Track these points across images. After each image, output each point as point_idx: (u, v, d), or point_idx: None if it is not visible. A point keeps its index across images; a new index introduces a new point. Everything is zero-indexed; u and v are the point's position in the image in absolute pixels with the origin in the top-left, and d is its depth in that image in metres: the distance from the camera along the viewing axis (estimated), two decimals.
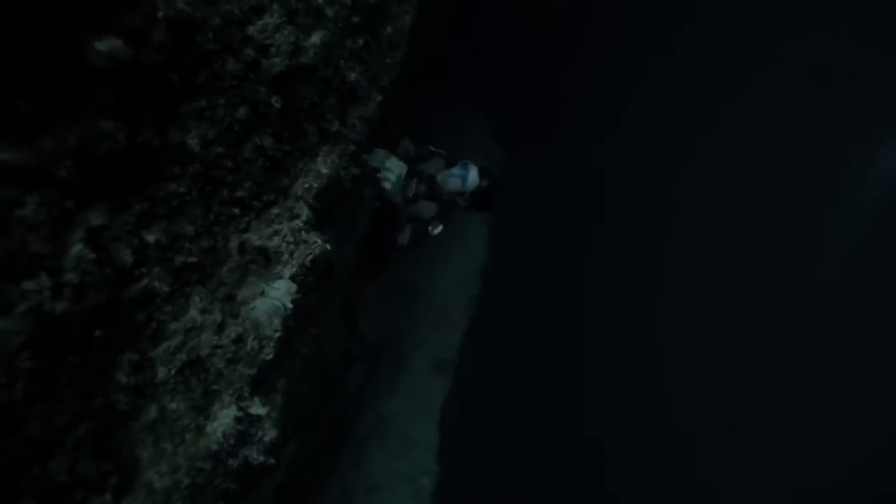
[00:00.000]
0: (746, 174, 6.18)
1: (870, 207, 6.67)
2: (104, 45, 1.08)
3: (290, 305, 1.47)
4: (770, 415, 6.40)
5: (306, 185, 1.70)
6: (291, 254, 1.56)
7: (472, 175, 2.29)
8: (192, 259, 1.39)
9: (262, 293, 1.48)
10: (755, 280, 6.53)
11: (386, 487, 6.20)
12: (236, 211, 1.54)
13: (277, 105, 1.51)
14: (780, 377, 6.62)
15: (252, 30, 1.40)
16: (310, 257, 1.58)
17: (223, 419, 1.47)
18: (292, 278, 1.50)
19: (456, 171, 2.32)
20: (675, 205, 6.19)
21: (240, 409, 1.50)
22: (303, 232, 1.60)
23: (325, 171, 1.73)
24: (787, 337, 6.79)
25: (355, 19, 1.74)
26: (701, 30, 5.61)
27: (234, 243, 1.53)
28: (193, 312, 1.40)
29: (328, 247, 1.61)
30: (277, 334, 1.47)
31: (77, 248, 1.11)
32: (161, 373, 1.37)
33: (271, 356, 1.52)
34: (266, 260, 1.57)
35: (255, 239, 1.55)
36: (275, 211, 1.65)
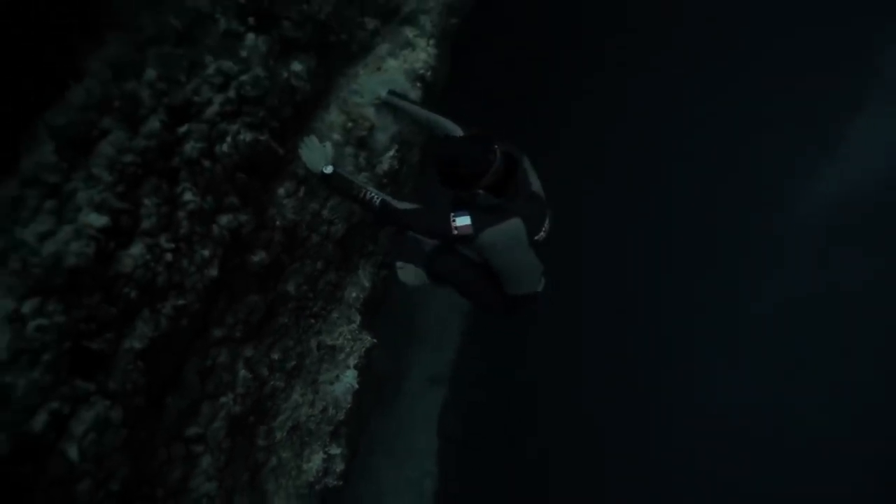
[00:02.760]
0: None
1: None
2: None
3: (356, 385, 2.33)
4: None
5: (354, 295, 2.56)
6: (352, 348, 2.42)
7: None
8: (293, 362, 2.24)
9: (338, 378, 2.34)
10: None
11: (393, 493, 7.08)
12: (313, 321, 2.38)
13: (338, 252, 2.36)
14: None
15: (325, 212, 2.24)
16: (364, 349, 2.44)
17: (314, 461, 2.34)
18: (355, 367, 2.36)
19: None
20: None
21: (324, 452, 2.36)
22: (357, 331, 2.45)
23: (367, 283, 2.58)
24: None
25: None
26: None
27: (313, 343, 2.38)
28: (296, 396, 2.25)
29: (375, 340, 2.47)
30: (349, 405, 2.33)
31: (243, 373, 1.95)
32: (278, 435, 2.22)
33: (343, 417, 2.38)
34: (334, 353, 2.42)
35: (327, 340, 2.40)
36: (335, 315, 2.50)
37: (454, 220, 1.69)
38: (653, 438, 7.26)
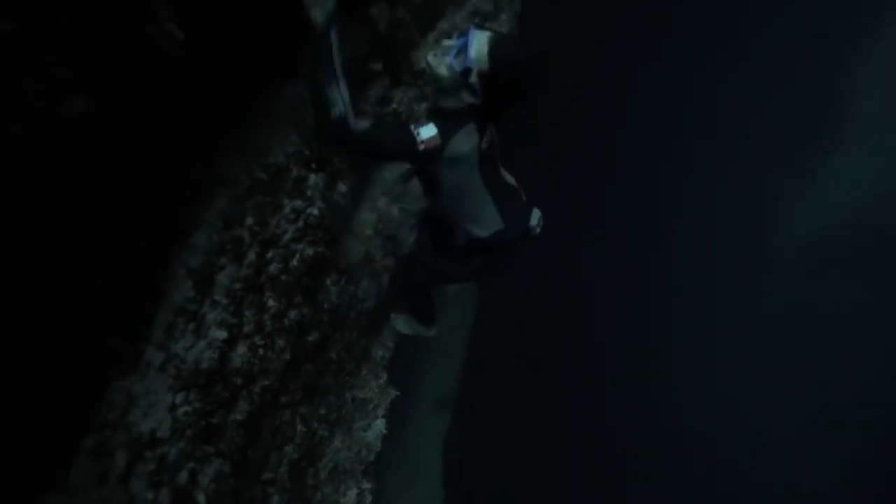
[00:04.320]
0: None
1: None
2: None
3: (385, 431, 2.89)
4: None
5: (380, 354, 3.13)
6: (380, 400, 2.98)
7: (479, 43, 1.52)
8: (335, 414, 2.80)
9: (370, 426, 2.89)
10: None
11: None
12: (347, 378, 2.95)
13: (369, 321, 2.93)
14: None
15: (359, 293, 2.82)
16: (390, 400, 3.00)
17: (350, 496, 2.88)
18: (383, 416, 2.92)
19: (453, 42, 1.58)
20: None
21: (357, 488, 2.91)
22: (384, 386, 3.02)
23: (390, 344, 3.15)
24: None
25: None
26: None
27: (348, 397, 2.94)
28: (337, 442, 2.80)
29: (399, 393, 3.04)
30: (379, 449, 2.89)
31: (300, 428, 2.51)
32: (322, 475, 2.77)
33: (373, 458, 2.93)
34: (365, 404, 2.98)
35: (359, 393, 2.97)
36: (364, 372, 3.06)
37: (418, 133, 1.50)
38: (674, 463, 7.64)
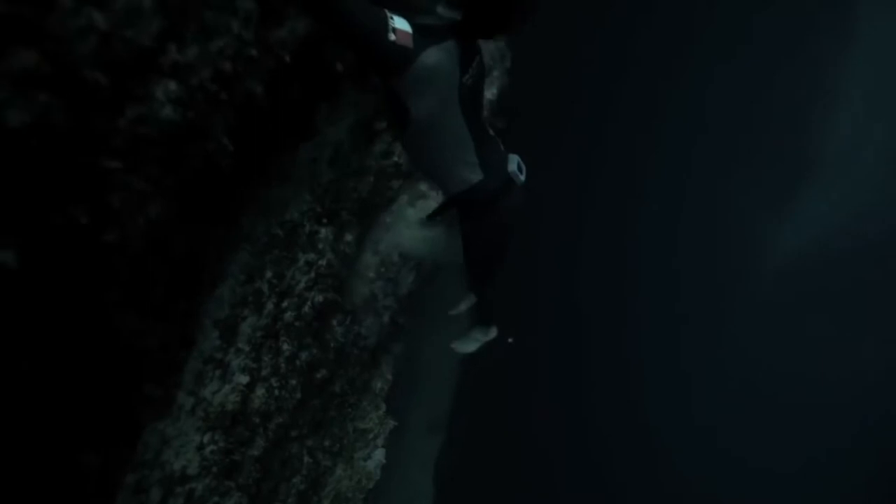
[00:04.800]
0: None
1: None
2: None
3: (384, 461, 3.10)
4: None
5: (379, 386, 3.35)
6: (379, 430, 3.19)
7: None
8: (338, 445, 3.00)
9: (370, 455, 3.10)
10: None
11: None
12: (349, 410, 3.16)
13: (370, 357, 3.16)
14: None
15: (363, 331, 3.05)
16: (389, 430, 3.22)
17: None
18: (383, 446, 3.13)
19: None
20: None
21: None
22: (383, 416, 3.23)
23: (389, 377, 3.37)
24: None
25: None
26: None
27: (350, 428, 3.15)
28: (339, 471, 3.01)
29: (397, 423, 3.26)
30: (378, 478, 3.09)
31: (307, 459, 2.71)
32: (325, 502, 2.96)
33: (372, 486, 3.13)
34: (366, 435, 3.19)
35: (359, 424, 3.18)
36: (365, 403, 3.28)
37: (392, 19, 1.26)
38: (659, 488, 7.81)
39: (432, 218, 1.94)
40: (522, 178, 1.77)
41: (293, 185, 2.44)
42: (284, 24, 1.54)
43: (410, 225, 3.25)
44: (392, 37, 1.25)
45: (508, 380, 8.19)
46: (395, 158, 3.12)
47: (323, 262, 2.48)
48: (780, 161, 8.29)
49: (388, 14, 1.26)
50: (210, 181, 1.50)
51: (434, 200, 3.43)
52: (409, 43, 1.28)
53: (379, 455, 3.12)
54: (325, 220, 2.53)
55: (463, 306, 2.57)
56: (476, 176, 1.63)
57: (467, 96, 1.46)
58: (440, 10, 1.37)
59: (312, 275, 2.45)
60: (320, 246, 2.49)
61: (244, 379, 2.08)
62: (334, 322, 2.81)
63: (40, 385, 1.50)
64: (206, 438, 1.96)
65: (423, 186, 3.43)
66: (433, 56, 1.33)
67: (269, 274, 2.26)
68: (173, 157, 1.28)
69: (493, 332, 2.52)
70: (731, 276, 8.22)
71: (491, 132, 1.78)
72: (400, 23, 1.27)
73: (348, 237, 2.75)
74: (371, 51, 1.30)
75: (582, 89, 6.20)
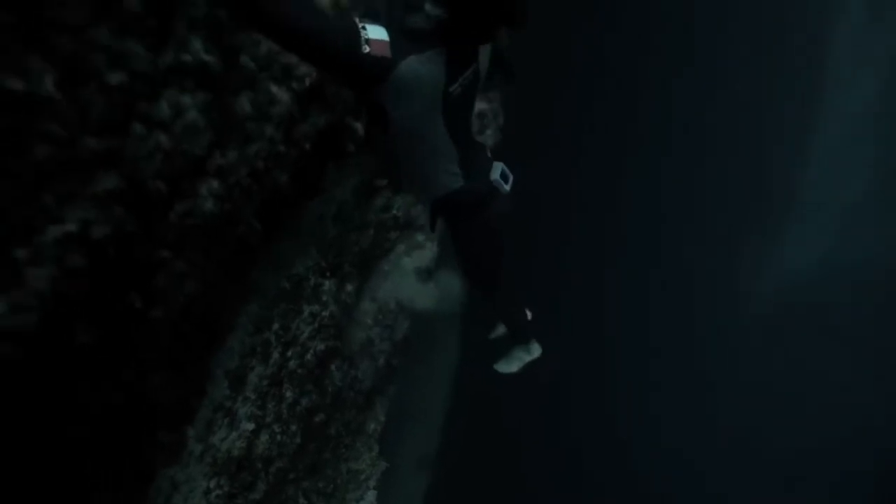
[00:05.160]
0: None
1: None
2: None
3: (375, 503, 3.21)
4: None
5: (373, 427, 3.49)
6: (371, 471, 3.31)
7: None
8: (332, 486, 3.12)
9: (362, 497, 3.21)
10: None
11: None
12: (343, 451, 3.28)
13: (365, 399, 3.31)
14: None
15: (359, 374, 3.21)
16: (381, 471, 3.34)
17: None
18: (375, 488, 3.25)
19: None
20: None
21: None
22: (376, 458, 3.36)
23: (382, 418, 3.51)
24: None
25: None
26: None
27: (343, 468, 3.27)
28: None
29: (388, 465, 3.38)
30: None
31: (302, 501, 2.83)
32: None
33: None
34: (358, 476, 3.31)
35: (353, 465, 3.30)
36: (358, 444, 3.41)
37: (364, 29, 1.18)
38: None
39: (431, 230, 1.83)
40: (507, 187, 1.72)
41: (301, 241, 2.66)
42: (308, 119, 1.78)
43: (407, 275, 3.46)
44: (366, 49, 1.18)
45: (501, 416, 8.24)
46: (394, 212, 3.35)
47: (326, 314, 2.67)
48: (758, 202, 8.70)
49: (359, 23, 1.19)
50: (240, 256, 1.71)
51: (429, 250, 3.67)
52: (385, 52, 1.21)
53: (371, 497, 3.23)
54: (328, 274, 2.74)
55: (501, 329, 2.48)
56: (457, 184, 1.60)
57: (454, 105, 1.40)
58: (427, 7, 1.29)
59: (316, 325, 2.63)
60: (324, 298, 2.69)
61: (250, 426, 2.24)
62: (333, 367, 2.97)
63: (68, 431, 1.66)
64: (212, 483, 2.10)
65: (420, 237, 3.66)
66: (413, 65, 1.26)
67: (276, 325, 2.44)
68: (211, 242, 1.49)
69: (536, 351, 2.36)
70: (707, 325, 8.49)
71: (478, 139, 1.79)
72: (374, 31, 1.20)
73: (349, 287, 2.95)
74: (345, 68, 1.22)
75: (559, 142, 6.54)
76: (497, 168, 1.71)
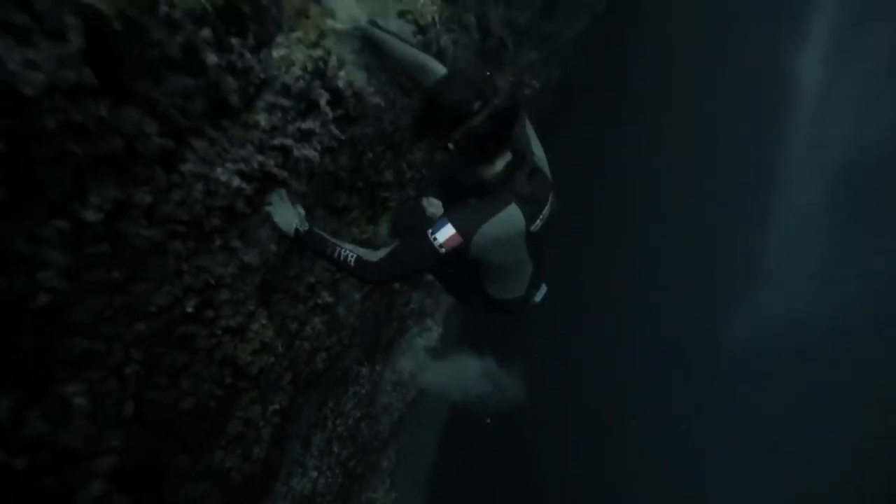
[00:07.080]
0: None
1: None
2: None
3: None
4: None
5: (385, 464, 4.65)
6: (385, 500, 4.47)
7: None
8: None
9: None
10: None
11: None
12: (366, 484, 4.44)
13: (381, 443, 4.47)
14: None
15: (380, 425, 4.38)
16: (391, 500, 4.50)
17: None
18: None
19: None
20: None
21: None
22: (388, 490, 4.52)
23: (393, 458, 4.67)
24: None
25: None
26: None
27: (363, 498, 4.42)
28: None
29: (397, 494, 4.54)
30: None
31: None
32: None
33: None
34: (375, 503, 4.47)
35: (371, 495, 4.45)
36: (375, 479, 4.56)
37: (434, 239, 1.40)
38: None
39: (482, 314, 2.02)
40: (537, 300, 1.92)
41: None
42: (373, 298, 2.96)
43: (418, 353, 4.64)
44: (442, 251, 1.40)
45: (499, 431, 8.91)
46: (412, 306, 4.53)
47: (363, 392, 3.84)
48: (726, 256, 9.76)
49: (431, 234, 1.41)
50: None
51: (435, 332, 4.85)
52: (458, 242, 1.40)
53: None
54: (365, 363, 3.91)
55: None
56: (518, 292, 1.76)
57: (536, 238, 1.52)
58: (462, 176, 1.56)
59: (356, 400, 3.80)
60: (362, 381, 3.86)
61: (314, 474, 3.40)
62: (364, 425, 4.14)
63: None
64: None
65: (429, 321, 4.84)
66: (486, 234, 1.41)
67: (331, 404, 3.61)
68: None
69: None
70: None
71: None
72: (442, 233, 1.40)
73: (378, 367, 4.12)
74: (434, 272, 1.79)
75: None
76: (542, 291, 1.92)
